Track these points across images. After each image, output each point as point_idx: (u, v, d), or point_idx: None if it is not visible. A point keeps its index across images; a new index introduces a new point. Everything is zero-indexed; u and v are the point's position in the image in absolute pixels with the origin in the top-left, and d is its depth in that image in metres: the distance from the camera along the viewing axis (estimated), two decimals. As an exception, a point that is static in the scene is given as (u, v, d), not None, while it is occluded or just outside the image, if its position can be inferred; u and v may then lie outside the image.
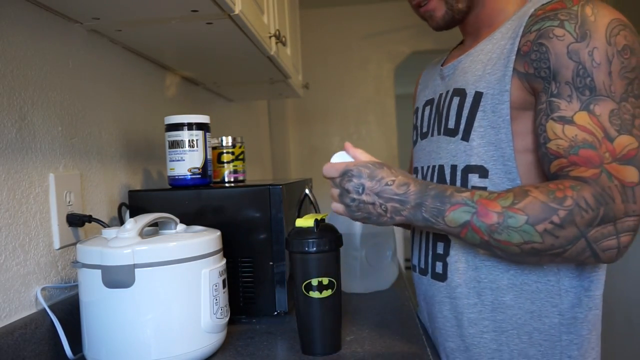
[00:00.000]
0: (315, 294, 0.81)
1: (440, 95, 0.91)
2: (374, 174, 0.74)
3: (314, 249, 0.81)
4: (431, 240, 0.90)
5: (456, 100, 0.85)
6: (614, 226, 0.67)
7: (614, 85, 0.69)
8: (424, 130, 0.95)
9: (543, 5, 0.76)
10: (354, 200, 0.74)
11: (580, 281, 0.78)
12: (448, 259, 0.85)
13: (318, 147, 3.94)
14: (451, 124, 0.85)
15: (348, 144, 0.81)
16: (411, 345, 0.86)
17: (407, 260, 4.64)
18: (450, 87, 0.88)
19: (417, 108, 1.01)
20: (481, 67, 0.82)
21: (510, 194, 0.69)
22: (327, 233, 0.82)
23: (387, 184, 0.73)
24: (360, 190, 0.74)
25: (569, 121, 0.70)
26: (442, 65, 0.97)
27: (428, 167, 0.91)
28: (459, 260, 0.84)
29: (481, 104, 0.80)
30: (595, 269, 0.79)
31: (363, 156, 0.79)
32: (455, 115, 0.84)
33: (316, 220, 0.83)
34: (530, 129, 0.77)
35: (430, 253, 0.90)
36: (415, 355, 0.82)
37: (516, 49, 0.76)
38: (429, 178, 0.90)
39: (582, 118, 0.69)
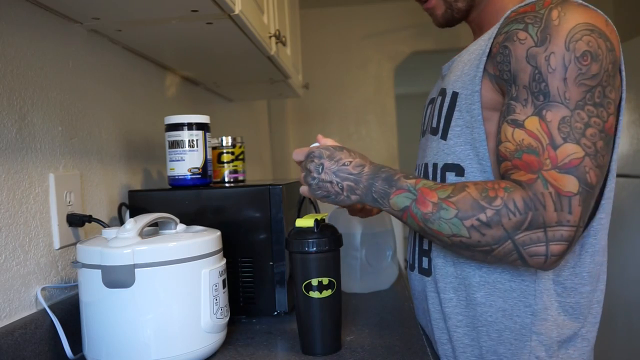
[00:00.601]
0: (315, 294, 0.81)
1: (436, 95, 0.93)
2: (333, 155, 0.77)
3: (314, 249, 0.81)
4: (418, 237, 0.92)
5: (439, 99, 0.87)
6: (544, 233, 0.66)
7: (568, 92, 0.67)
8: (423, 128, 0.98)
9: (518, 7, 0.76)
10: (314, 179, 0.77)
11: (555, 285, 0.78)
12: (431, 254, 0.87)
13: (318, 147, 3.93)
14: (434, 123, 0.87)
15: (319, 136, 0.84)
16: (411, 345, 0.86)
17: (406, 260, 4.62)
18: (440, 87, 0.90)
19: (424, 106, 1.03)
20: (460, 68, 0.83)
21: (450, 187, 0.71)
22: (327, 233, 0.82)
23: (344, 164, 0.76)
24: (320, 170, 0.77)
25: (520, 125, 0.70)
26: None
27: (421, 165, 0.93)
28: (438, 256, 0.85)
29: (457, 103, 0.81)
30: (570, 277, 0.79)
31: (329, 142, 0.82)
32: (437, 114, 0.86)
33: (316, 220, 0.83)
34: None
35: (417, 249, 0.92)
36: (415, 355, 0.82)
37: (488, 50, 0.77)
38: (421, 175, 0.92)
39: (532, 123, 0.69)
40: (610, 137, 0.70)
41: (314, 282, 0.81)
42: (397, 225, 3.93)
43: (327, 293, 0.81)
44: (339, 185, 0.76)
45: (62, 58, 0.96)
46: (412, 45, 3.75)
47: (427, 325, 0.93)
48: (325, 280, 0.81)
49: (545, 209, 0.66)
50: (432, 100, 0.95)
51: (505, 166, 0.72)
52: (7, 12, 0.82)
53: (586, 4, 0.72)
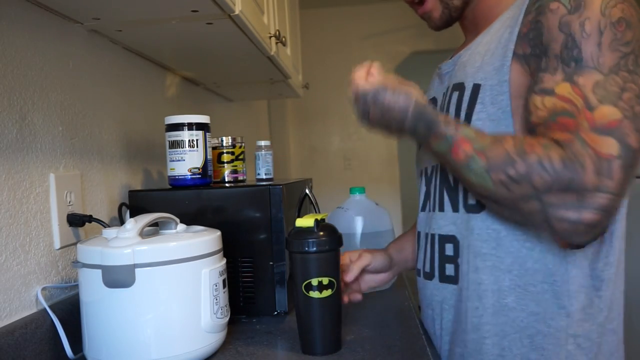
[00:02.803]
0: (315, 294, 0.81)
1: (443, 94, 0.90)
2: (376, 97, 0.75)
3: (314, 249, 0.81)
4: (437, 243, 0.87)
5: (455, 95, 0.83)
6: (580, 197, 0.62)
7: (602, 57, 0.65)
8: None
9: None
10: (363, 120, 0.79)
11: (592, 280, 0.75)
12: (459, 260, 0.83)
13: (318, 147, 3.94)
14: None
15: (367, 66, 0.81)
16: (411, 345, 0.86)
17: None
18: (450, 84, 0.86)
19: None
20: (479, 59, 0.80)
21: (487, 139, 0.69)
22: (327, 233, 0.82)
23: (391, 104, 0.74)
24: (367, 114, 0.77)
25: (550, 92, 0.67)
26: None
27: (433, 167, 0.89)
28: (462, 262, 0.82)
29: (479, 96, 0.77)
30: (606, 267, 0.75)
31: (373, 77, 0.79)
32: (455, 110, 0.82)
33: (316, 220, 0.83)
34: None
35: (437, 256, 0.87)
36: (415, 355, 0.82)
37: (515, 37, 0.74)
38: (434, 178, 0.89)
39: (563, 88, 0.66)
40: None
41: (314, 282, 0.81)
42: (397, 225, 3.93)
43: (327, 293, 0.81)
44: (385, 122, 0.76)
45: (63, 58, 0.96)
46: (412, 45, 3.75)
47: (440, 335, 0.88)
48: (325, 280, 0.81)
49: (584, 171, 0.61)
50: (433, 101, 0.93)
51: (538, 132, 0.69)
52: (8, 12, 0.82)
53: None
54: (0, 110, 0.79)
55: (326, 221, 0.86)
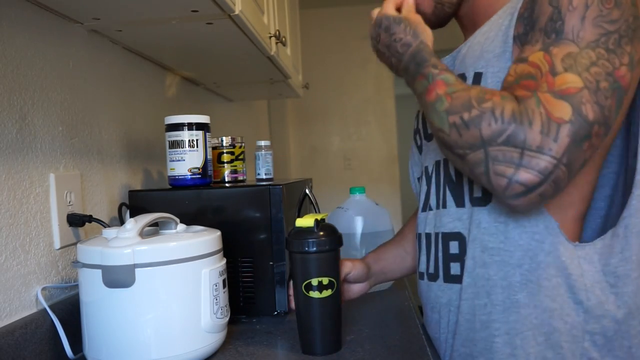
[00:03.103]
0: (315, 294, 0.81)
1: None
2: (390, 27, 0.80)
3: (314, 249, 0.81)
4: (441, 242, 0.85)
5: None
6: (520, 154, 0.62)
7: (583, 31, 0.65)
8: (429, 131, 0.91)
9: None
10: (374, 46, 0.85)
11: (605, 276, 0.72)
12: (466, 256, 0.80)
13: (318, 147, 3.94)
14: None
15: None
16: (411, 345, 0.86)
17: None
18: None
19: (418, 111, 0.98)
20: (479, 48, 0.79)
21: (462, 85, 0.70)
22: (327, 233, 0.82)
23: (394, 40, 0.79)
24: (378, 39, 0.83)
25: (524, 60, 0.68)
26: None
27: (436, 162, 0.88)
28: (468, 258, 0.79)
29: (481, 84, 0.76)
30: (621, 263, 0.72)
31: (389, 7, 0.83)
32: None
33: (316, 220, 0.83)
34: None
35: (442, 255, 0.84)
36: (415, 355, 0.82)
37: (514, 22, 0.74)
38: (434, 176, 0.88)
39: (535, 56, 0.67)
40: (622, 89, 0.64)
41: (314, 282, 0.81)
42: (397, 225, 3.93)
43: (327, 293, 0.81)
44: (388, 56, 0.81)
45: (63, 58, 0.96)
46: (412, 45, 3.74)
47: (445, 337, 0.85)
48: (325, 280, 0.81)
49: (530, 127, 0.61)
50: None
51: (502, 93, 0.69)
52: (8, 12, 0.82)
53: None
54: (0, 110, 0.79)
55: (326, 221, 0.86)
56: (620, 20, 0.65)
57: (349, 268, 0.97)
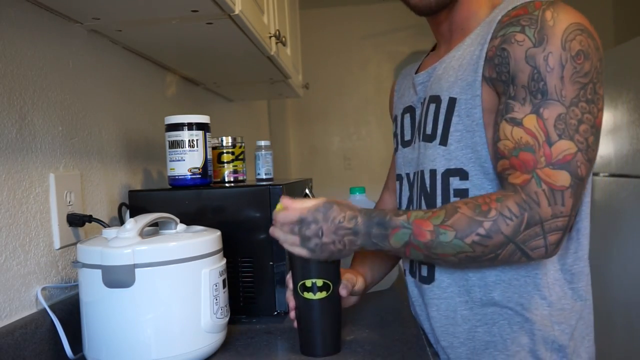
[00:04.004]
0: (309, 295, 0.81)
1: (419, 103, 0.93)
2: (327, 215, 0.77)
3: None
4: None
5: (432, 107, 0.87)
6: (541, 227, 0.71)
7: (565, 90, 0.72)
8: (407, 138, 0.97)
9: (509, 11, 0.79)
10: (317, 244, 0.77)
11: (563, 274, 0.82)
12: (436, 266, 0.87)
13: (318, 147, 3.94)
14: (429, 130, 0.87)
15: (285, 200, 0.81)
16: (411, 345, 0.86)
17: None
18: (427, 95, 0.90)
19: (396, 116, 1.02)
20: (453, 74, 0.84)
21: (442, 212, 0.74)
22: None
23: (339, 222, 0.77)
24: (320, 234, 0.77)
25: (518, 123, 0.74)
26: (415, 73, 0.98)
27: (415, 173, 0.93)
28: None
29: (455, 109, 0.82)
30: (575, 262, 0.83)
31: (308, 202, 0.80)
32: (432, 121, 0.86)
33: None
34: None
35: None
36: (415, 355, 0.82)
37: (484, 54, 0.79)
38: (416, 184, 0.92)
39: (530, 121, 0.73)
40: (599, 131, 0.74)
41: (308, 283, 0.81)
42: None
43: (321, 295, 0.81)
44: (341, 243, 0.77)
45: (63, 58, 0.96)
46: (412, 45, 3.75)
47: (431, 331, 0.91)
48: (319, 282, 0.81)
49: (539, 206, 0.71)
50: (410, 109, 0.96)
51: (502, 165, 0.76)
52: (8, 12, 0.82)
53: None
54: (0, 110, 0.79)
55: None
56: (591, 70, 0.73)
57: (352, 283, 0.95)
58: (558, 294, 0.82)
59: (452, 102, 0.83)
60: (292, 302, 0.86)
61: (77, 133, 0.99)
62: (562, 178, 0.71)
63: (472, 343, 0.85)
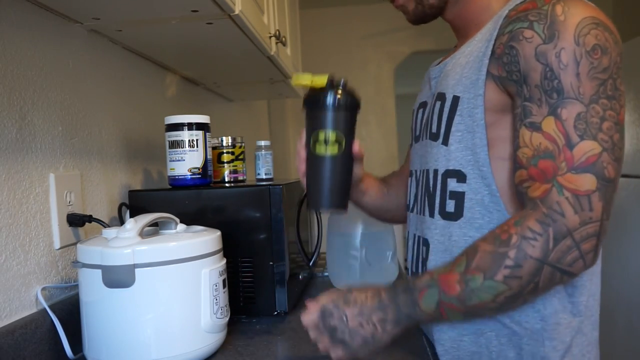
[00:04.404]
0: (320, 148, 0.79)
1: (431, 98, 0.90)
2: (347, 299, 0.73)
3: (327, 103, 0.79)
4: (417, 243, 0.89)
5: (438, 104, 0.84)
6: (572, 238, 0.65)
7: (582, 87, 0.67)
8: (417, 133, 0.95)
9: (517, 5, 0.75)
10: (344, 332, 0.72)
11: (564, 286, 0.76)
12: (428, 264, 0.84)
13: (318, 147, 3.93)
14: (434, 128, 0.85)
15: (308, 302, 0.77)
16: (411, 346, 0.86)
17: (406, 260, 4.63)
18: (435, 91, 0.87)
19: (414, 110, 1.00)
20: (459, 71, 0.81)
21: (463, 257, 0.69)
22: (345, 92, 0.81)
23: (362, 302, 0.72)
24: (345, 319, 0.72)
25: (537, 128, 0.69)
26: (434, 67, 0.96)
27: (422, 171, 0.91)
28: (437, 265, 0.81)
29: (458, 108, 0.79)
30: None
31: (329, 293, 0.76)
32: (437, 119, 0.84)
33: (330, 78, 0.81)
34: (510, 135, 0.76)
35: (420, 257, 0.88)
36: (415, 355, 0.82)
37: (490, 52, 0.75)
38: (421, 183, 0.90)
39: (548, 124, 0.68)
40: (623, 128, 0.69)
41: (321, 135, 0.79)
42: (397, 226, 3.93)
43: (333, 149, 0.79)
44: (370, 323, 0.71)
45: (62, 58, 0.96)
46: (412, 45, 3.75)
47: (430, 333, 0.89)
48: (332, 136, 0.79)
49: (564, 217, 0.65)
50: (424, 105, 0.94)
51: (520, 175, 0.71)
52: (8, 12, 0.82)
53: None
54: (0, 110, 0.79)
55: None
56: (610, 66, 0.68)
57: (367, 185, 1.00)
58: (554, 307, 0.75)
59: (456, 100, 0.79)
60: (302, 154, 0.85)
61: (77, 133, 0.99)
62: (587, 182, 0.65)
63: (456, 352, 0.81)
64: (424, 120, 0.92)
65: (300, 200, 1.18)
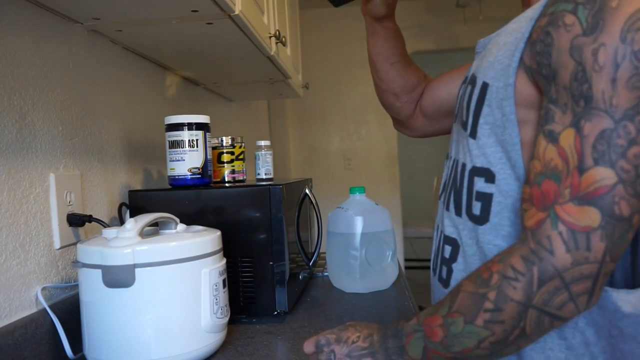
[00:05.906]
0: None
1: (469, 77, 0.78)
2: (340, 337, 0.70)
3: None
4: (441, 241, 0.80)
5: (469, 89, 0.73)
6: (561, 279, 0.55)
7: (616, 97, 0.53)
8: (456, 112, 0.84)
9: None
10: None
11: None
12: (454, 266, 0.76)
13: (318, 147, 3.94)
14: (464, 116, 0.74)
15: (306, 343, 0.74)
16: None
17: (407, 260, 4.63)
18: (471, 71, 0.76)
19: (461, 84, 0.86)
20: (495, 53, 0.69)
21: (447, 298, 0.63)
22: None
23: (353, 342, 0.69)
24: (333, 358, 0.69)
25: (555, 139, 0.58)
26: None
27: (454, 161, 0.81)
28: (463, 270, 0.74)
29: (487, 97, 0.68)
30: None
31: (323, 332, 0.74)
32: (466, 106, 0.73)
33: None
34: None
35: (440, 255, 0.81)
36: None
37: (527, 34, 0.62)
38: (452, 171, 0.80)
39: (566, 137, 0.56)
40: None
41: None
42: (397, 225, 3.93)
43: None
44: None
45: (63, 58, 0.96)
46: (412, 45, 3.74)
47: None
48: None
49: (553, 255, 0.55)
50: (465, 80, 0.81)
51: (524, 192, 0.61)
52: (8, 12, 0.82)
53: None
54: (0, 110, 0.79)
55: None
56: None
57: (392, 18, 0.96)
58: (586, 338, 0.63)
59: (484, 87, 0.68)
60: None
61: (77, 133, 0.99)
62: (589, 216, 0.54)
63: None
64: (459, 100, 0.80)
65: (300, 200, 1.18)
